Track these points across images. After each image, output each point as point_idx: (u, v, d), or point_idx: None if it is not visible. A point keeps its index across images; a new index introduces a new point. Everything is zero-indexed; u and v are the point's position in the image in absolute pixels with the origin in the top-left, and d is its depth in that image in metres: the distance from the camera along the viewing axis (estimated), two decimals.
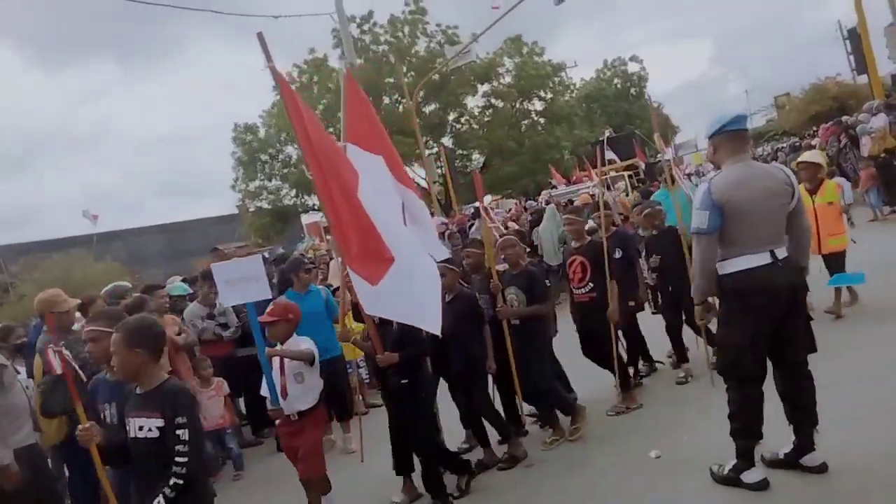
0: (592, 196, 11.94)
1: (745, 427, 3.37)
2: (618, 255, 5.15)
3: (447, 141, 27.11)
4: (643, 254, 5.65)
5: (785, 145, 22.33)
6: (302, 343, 4.02)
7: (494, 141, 25.78)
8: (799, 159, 6.41)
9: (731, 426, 3.41)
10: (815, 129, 22.64)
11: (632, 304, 5.29)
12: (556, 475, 4.16)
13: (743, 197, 3.28)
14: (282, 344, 4.02)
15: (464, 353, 4.41)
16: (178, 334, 5.50)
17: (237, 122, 25.89)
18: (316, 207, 26.30)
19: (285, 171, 25.48)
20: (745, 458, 3.39)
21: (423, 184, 24.68)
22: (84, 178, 71.14)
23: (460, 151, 27.24)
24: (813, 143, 17.07)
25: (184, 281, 7.26)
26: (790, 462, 3.44)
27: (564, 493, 3.91)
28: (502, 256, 4.91)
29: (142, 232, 32.78)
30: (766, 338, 3.33)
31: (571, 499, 3.83)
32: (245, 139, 25.66)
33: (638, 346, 5.57)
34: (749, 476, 3.36)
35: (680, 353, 5.51)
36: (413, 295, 3.58)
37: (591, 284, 5.03)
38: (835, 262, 6.14)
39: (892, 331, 5.17)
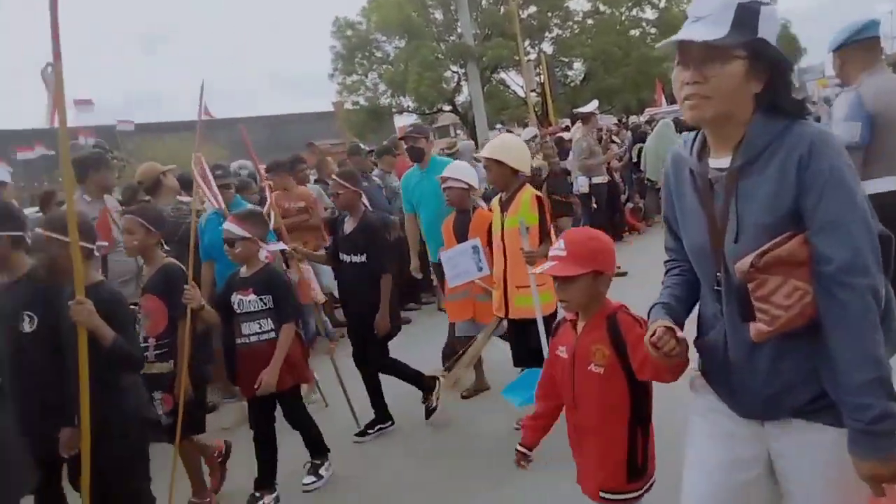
0: None
1: None
2: None
3: (547, 47, 25.93)
4: None
5: None
6: None
7: (599, 49, 24.40)
8: (482, 152, 4.14)
9: None
10: None
11: None
12: None
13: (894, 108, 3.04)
14: None
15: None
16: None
17: (338, 16, 25.75)
18: (410, 109, 26.20)
19: (382, 67, 25.35)
20: None
21: (521, 92, 23.99)
22: (202, 65, 75.26)
23: (561, 59, 26.04)
24: None
25: None
26: None
27: None
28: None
29: (246, 122, 33.89)
30: None
31: None
32: (345, 34, 25.55)
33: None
34: None
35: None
36: None
37: None
38: (520, 337, 3.79)
39: None
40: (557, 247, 2.07)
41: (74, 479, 2.81)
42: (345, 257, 4.17)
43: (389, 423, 4.35)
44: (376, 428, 4.29)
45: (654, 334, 1.58)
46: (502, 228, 3.82)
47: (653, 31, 26.47)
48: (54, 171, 18.08)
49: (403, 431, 4.31)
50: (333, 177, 4.29)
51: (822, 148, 1.43)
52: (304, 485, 3.66)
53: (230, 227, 3.45)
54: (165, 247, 3.46)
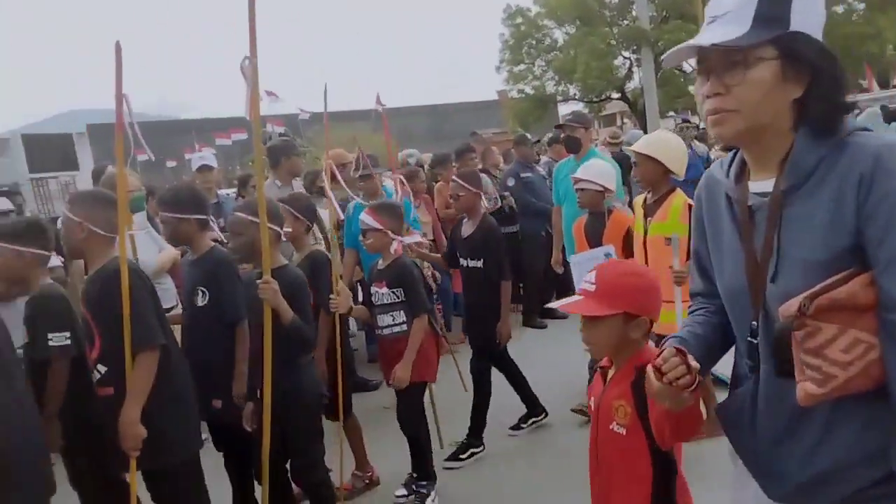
0: None
1: None
2: None
3: None
4: None
5: None
6: None
7: None
8: (634, 146, 3.75)
9: None
10: None
11: None
12: None
13: None
14: None
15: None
16: None
17: (509, 3, 25.75)
18: (576, 97, 25.60)
19: (550, 55, 25.00)
20: None
21: None
22: (369, 58, 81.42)
23: None
24: None
25: None
26: None
27: None
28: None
29: (412, 112, 35.31)
30: None
31: None
32: (515, 21, 25.51)
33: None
34: None
35: None
36: None
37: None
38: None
39: None
40: (588, 279, 1.75)
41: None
42: (462, 261, 4.07)
43: (543, 415, 4.27)
44: (530, 422, 4.23)
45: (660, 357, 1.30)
46: (645, 234, 3.54)
47: (860, 6, 23.42)
48: (246, 156, 20.02)
49: (557, 428, 4.21)
50: (454, 178, 4.15)
51: (890, 164, 1.14)
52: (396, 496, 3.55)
53: (365, 217, 3.48)
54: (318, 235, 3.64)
